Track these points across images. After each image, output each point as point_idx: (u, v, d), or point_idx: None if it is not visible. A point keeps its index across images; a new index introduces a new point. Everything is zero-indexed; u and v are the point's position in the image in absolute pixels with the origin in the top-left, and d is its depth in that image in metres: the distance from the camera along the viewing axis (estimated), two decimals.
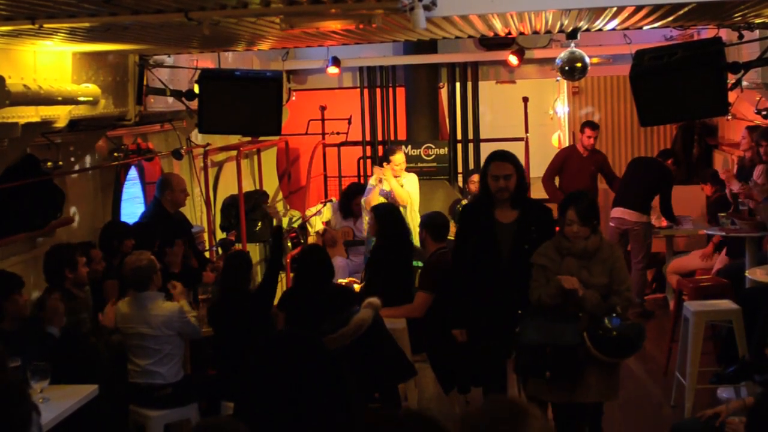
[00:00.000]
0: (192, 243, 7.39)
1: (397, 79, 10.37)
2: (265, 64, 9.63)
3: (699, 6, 4.69)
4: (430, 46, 9.69)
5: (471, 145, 10.38)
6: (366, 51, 9.94)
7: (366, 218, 8.29)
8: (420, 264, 6.56)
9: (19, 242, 6.00)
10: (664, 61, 5.44)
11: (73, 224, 6.66)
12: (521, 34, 6.26)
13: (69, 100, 5.16)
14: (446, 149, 10.05)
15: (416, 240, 6.94)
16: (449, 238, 6.60)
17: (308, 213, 9.90)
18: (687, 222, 9.23)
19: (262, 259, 9.77)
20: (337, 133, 10.83)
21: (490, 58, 10.18)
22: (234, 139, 9.44)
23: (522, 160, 9.90)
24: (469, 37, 6.00)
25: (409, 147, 9.84)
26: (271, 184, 10.69)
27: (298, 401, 5.00)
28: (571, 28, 5.97)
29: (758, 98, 7.83)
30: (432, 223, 6.45)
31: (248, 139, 9.83)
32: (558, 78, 7.75)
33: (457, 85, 10.32)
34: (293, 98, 10.59)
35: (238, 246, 8.46)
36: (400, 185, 8.18)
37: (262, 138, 9.90)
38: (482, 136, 10.47)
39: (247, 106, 5.96)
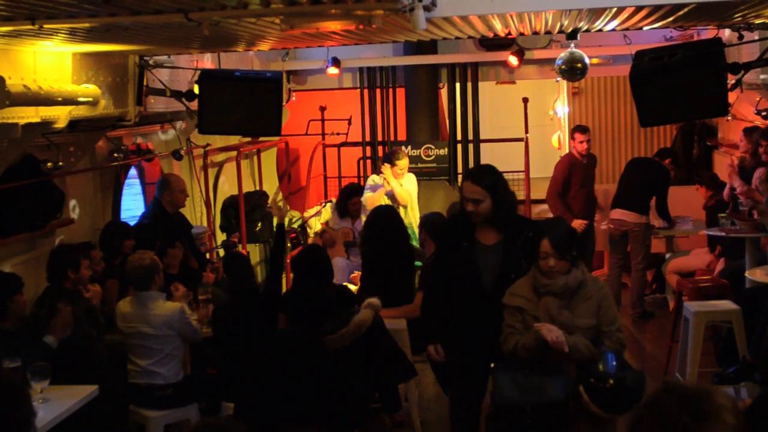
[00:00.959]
0: (192, 243, 7.39)
1: (397, 79, 10.37)
2: (265, 65, 9.63)
3: (699, 6, 4.69)
4: (430, 47, 9.69)
5: (471, 146, 10.38)
6: (366, 51, 9.94)
7: (365, 218, 8.29)
8: (420, 264, 6.56)
9: (19, 242, 6.00)
10: (664, 62, 5.44)
11: (73, 224, 6.66)
12: (521, 34, 6.26)
13: (69, 101, 5.16)
14: (446, 150, 10.06)
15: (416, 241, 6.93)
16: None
17: (306, 214, 9.89)
18: (687, 222, 9.21)
19: (262, 260, 9.77)
20: (337, 134, 10.84)
21: (490, 58, 10.17)
22: (234, 139, 9.45)
23: (522, 160, 10.10)
24: (469, 37, 5.99)
25: (409, 147, 9.84)
26: (271, 185, 10.70)
27: (298, 401, 5.02)
28: (570, 29, 5.97)
29: (758, 99, 7.84)
30: (432, 223, 6.44)
31: (248, 139, 9.84)
32: (558, 78, 7.74)
33: (457, 85, 10.32)
34: (293, 99, 10.58)
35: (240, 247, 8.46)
36: (400, 185, 8.26)
37: (262, 138, 9.91)
38: (482, 136, 10.51)
39: (247, 106, 5.95)
